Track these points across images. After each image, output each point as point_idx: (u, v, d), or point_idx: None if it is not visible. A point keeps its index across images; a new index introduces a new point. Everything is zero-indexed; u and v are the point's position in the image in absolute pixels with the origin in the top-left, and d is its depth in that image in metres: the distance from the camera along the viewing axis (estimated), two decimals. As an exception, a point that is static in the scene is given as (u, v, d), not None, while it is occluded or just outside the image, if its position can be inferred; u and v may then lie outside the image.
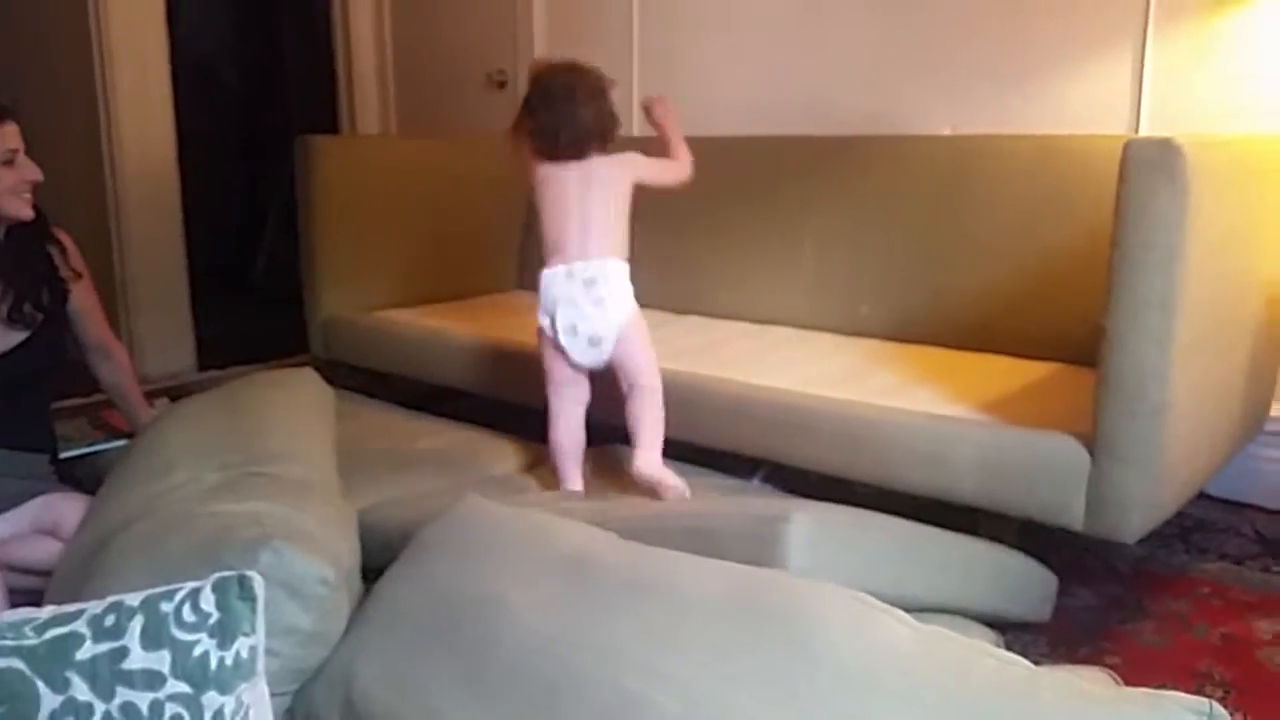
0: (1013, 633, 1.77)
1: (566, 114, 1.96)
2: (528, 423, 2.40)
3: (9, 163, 1.89)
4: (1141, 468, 1.68)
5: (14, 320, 1.94)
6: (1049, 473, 1.76)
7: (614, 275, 1.96)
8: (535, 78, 2.05)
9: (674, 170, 2.10)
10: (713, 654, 1.02)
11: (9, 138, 1.90)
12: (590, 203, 1.96)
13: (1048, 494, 1.76)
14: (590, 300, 1.93)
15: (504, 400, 2.56)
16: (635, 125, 3.38)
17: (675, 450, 2.14)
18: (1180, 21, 2.36)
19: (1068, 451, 1.74)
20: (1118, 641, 1.85)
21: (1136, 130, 2.43)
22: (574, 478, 2.03)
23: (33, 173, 1.93)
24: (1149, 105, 2.41)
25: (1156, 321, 1.63)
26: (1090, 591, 2.03)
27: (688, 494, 1.89)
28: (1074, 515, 1.74)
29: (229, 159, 5.34)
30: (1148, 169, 1.62)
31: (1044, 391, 2.08)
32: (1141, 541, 1.80)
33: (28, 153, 1.93)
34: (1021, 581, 1.72)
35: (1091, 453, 1.72)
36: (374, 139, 4.10)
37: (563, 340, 1.95)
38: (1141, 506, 1.71)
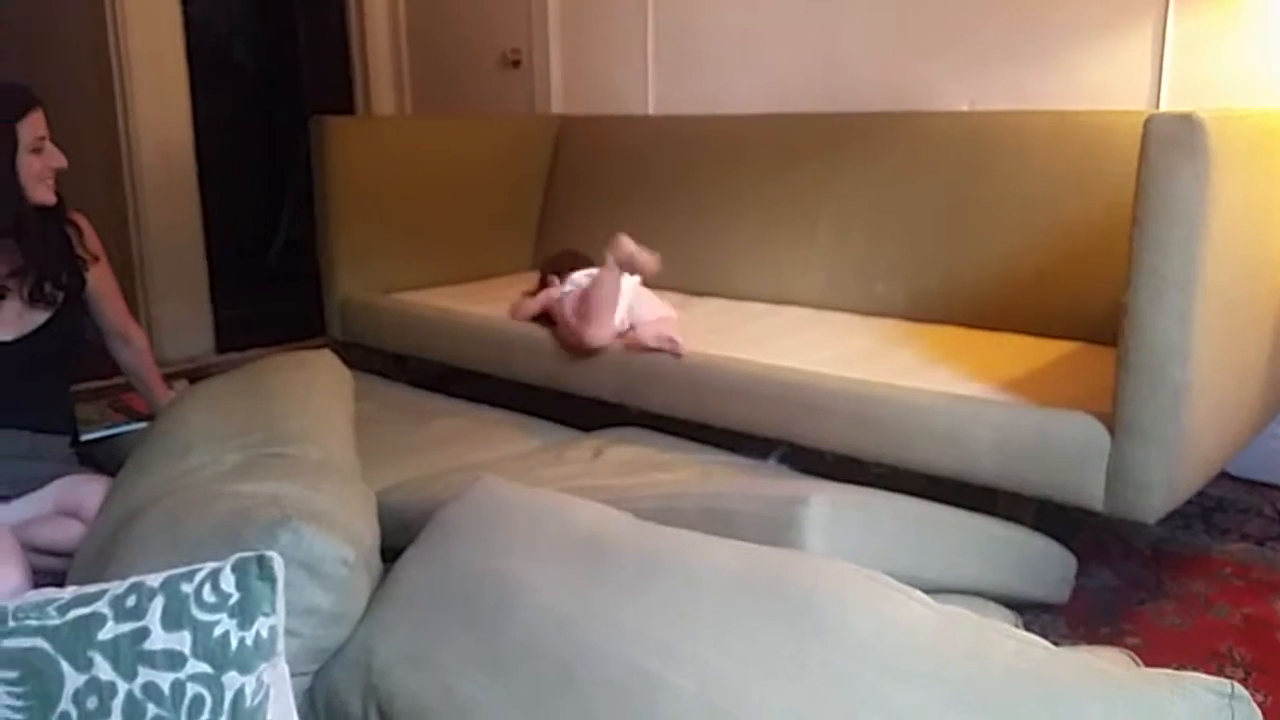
0: (1031, 613, 1.76)
1: None
2: (543, 403, 2.41)
3: (37, 150, 1.91)
4: (1162, 447, 1.67)
5: (35, 300, 1.96)
6: (1068, 452, 1.75)
7: None
8: None
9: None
10: (728, 633, 1.03)
11: (36, 125, 1.91)
12: None
13: (1067, 474, 1.75)
14: None
15: (520, 381, 2.56)
16: (651, 104, 3.39)
17: (690, 431, 2.14)
18: (1201, -5, 2.32)
19: (1087, 431, 1.73)
20: (1138, 622, 1.85)
21: (1157, 105, 2.40)
22: None
23: (58, 160, 1.95)
24: (1170, 80, 2.38)
25: (1177, 299, 1.62)
26: (1110, 572, 2.02)
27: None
28: (1094, 495, 1.73)
29: (245, 142, 5.36)
30: (1169, 144, 1.60)
31: (1063, 370, 2.06)
32: (1162, 522, 1.78)
33: (50, 139, 1.95)
34: (1040, 562, 1.72)
35: (1111, 432, 1.70)
36: (389, 120, 4.09)
37: None
38: (1162, 486, 1.69)
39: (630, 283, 2.40)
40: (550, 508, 1.34)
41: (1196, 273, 1.61)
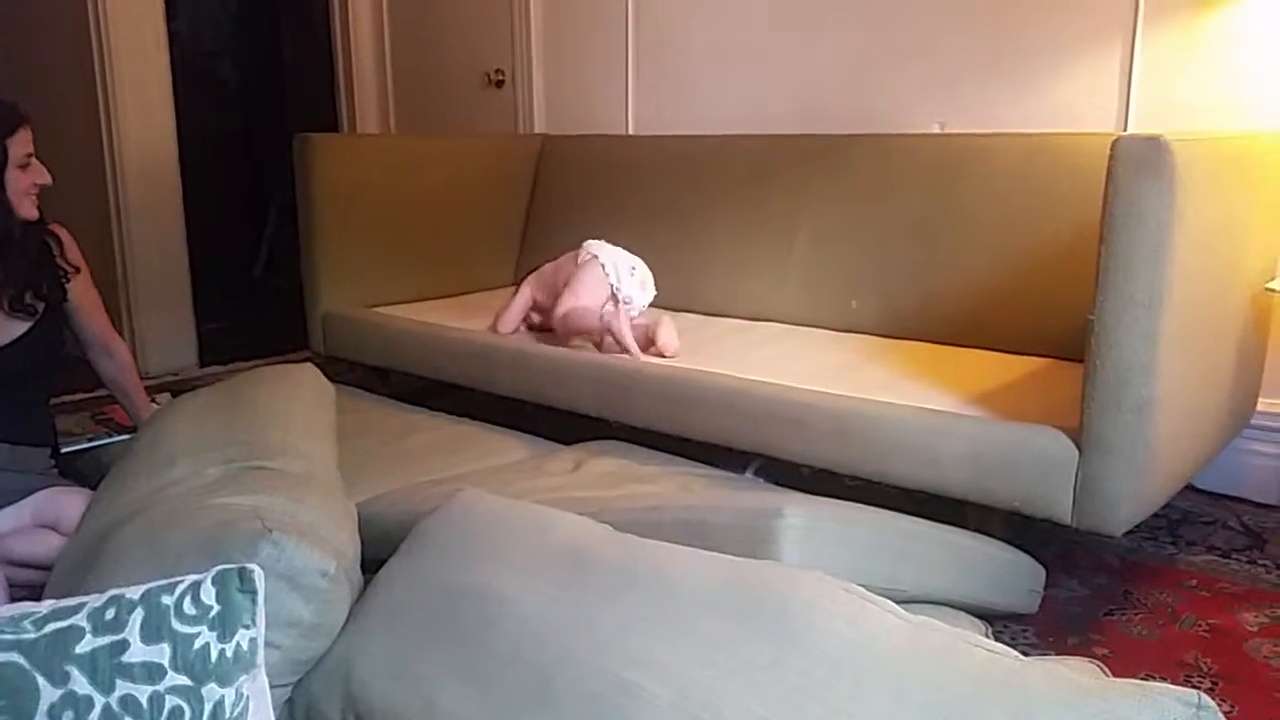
0: (1001, 624, 1.80)
1: None
2: (524, 416, 2.43)
3: (24, 166, 1.92)
4: (1128, 461, 1.70)
5: (15, 311, 1.96)
6: (1037, 466, 1.78)
7: None
8: None
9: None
10: (705, 643, 1.05)
11: (24, 143, 1.92)
12: None
13: (1036, 487, 1.78)
14: None
15: (501, 395, 2.58)
16: (631, 124, 3.42)
17: (669, 444, 2.16)
18: (1169, 18, 2.37)
19: (1055, 445, 1.76)
20: (1106, 633, 1.88)
21: (1125, 127, 2.44)
22: None
23: (44, 176, 1.97)
24: (1137, 102, 2.43)
25: (1143, 317, 1.65)
26: (1078, 583, 2.05)
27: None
28: (1062, 508, 1.76)
29: (229, 157, 5.35)
30: (1136, 166, 1.63)
31: (1032, 386, 2.10)
32: (1129, 534, 1.82)
33: (36, 155, 1.96)
34: (1010, 573, 1.75)
35: (1079, 446, 1.74)
36: (372, 137, 4.11)
37: None
38: (1129, 500, 1.73)
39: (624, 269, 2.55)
40: (530, 520, 1.36)
41: (1162, 291, 1.65)
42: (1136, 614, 1.94)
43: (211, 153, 4.61)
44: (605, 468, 2.04)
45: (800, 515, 1.41)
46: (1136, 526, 1.81)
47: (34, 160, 1.95)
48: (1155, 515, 1.98)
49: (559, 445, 2.24)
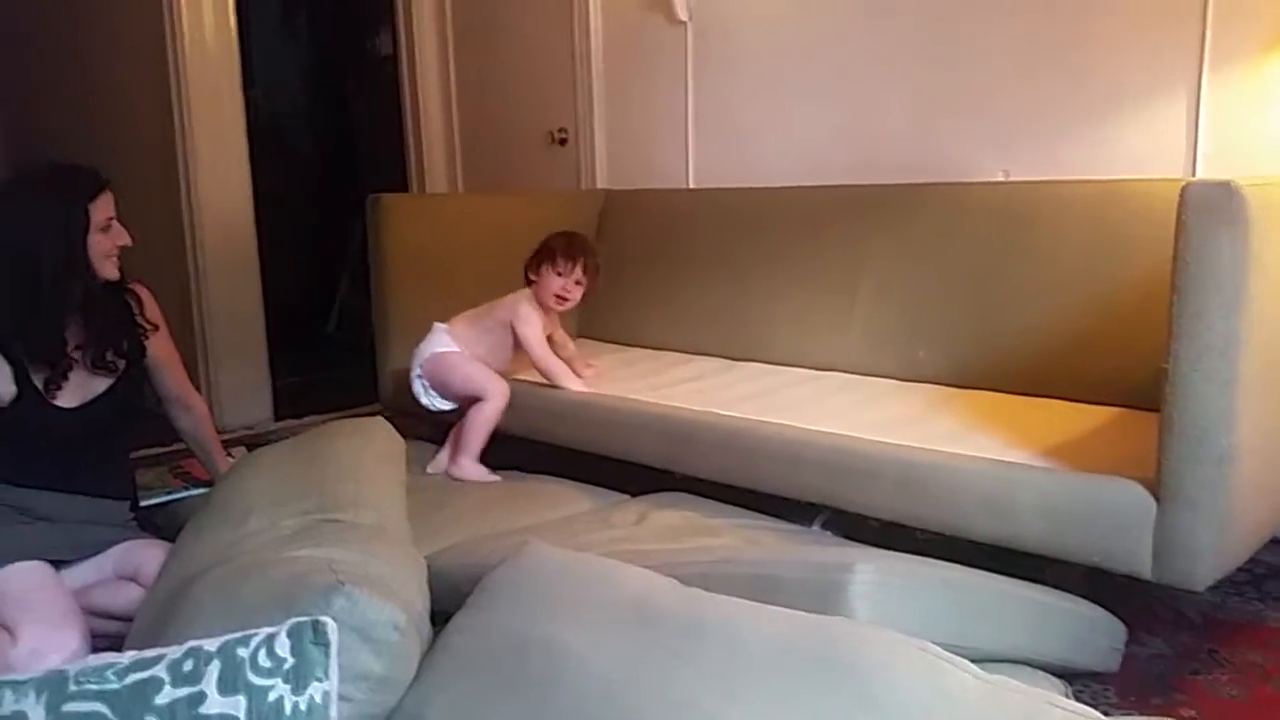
0: (1081, 683, 1.74)
1: None
2: (587, 467, 2.44)
3: (105, 229, 2.00)
4: (1209, 514, 1.65)
5: (98, 368, 2.03)
6: (1114, 519, 1.73)
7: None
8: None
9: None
10: (775, 703, 1.03)
11: (105, 207, 2.00)
12: None
13: (1113, 541, 1.74)
14: None
15: (565, 446, 2.59)
16: (691, 178, 3.45)
17: (734, 495, 2.15)
18: (1236, 63, 2.34)
19: (1133, 497, 1.72)
20: (1191, 693, 1.81)
21: (1193, 172, 2.41)
22: None
23: (124, 238, 2.05)
24: (1205, 147, 2.39)
25: (1220, 365, 1.61)
26: (1161, 640, 1.98)
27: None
28: (1141, 562, 1.71)
29: (304, 217, 5.50)
30: (1206, 212, 1.61)
31: (1106, 436, 2.05)
32: (1212, 589, 1.76)
33: (117, 218, 2.04)
34: (1089, 630, 1.70)
35: (1157, 498, 1.69)
36: (441, 197, 4.20)
37: None
38: (1210, 553, 1.67)
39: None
40: (597, 573, 1.36)
41: (1238, 338, 1.61)
42: (1224, 673, 1.87)
43: (286, 213, 4.74)
44: (671, 520, 2.03)
45: (871, 570, 1.39)
46: (1220, 581, 1.75)
47: (115, 223, 2.03)
48: (1240, 570, 1.91)
49: (623, 496, 2.25)
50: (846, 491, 2.04)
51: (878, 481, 1.99)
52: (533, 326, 2.58)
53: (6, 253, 1.92)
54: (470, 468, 2.50)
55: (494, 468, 2.52)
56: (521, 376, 2.74)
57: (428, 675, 1.26)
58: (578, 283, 2.59)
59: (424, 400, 2.63)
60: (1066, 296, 2.39)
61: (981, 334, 2.50)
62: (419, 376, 2.62)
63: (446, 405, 2.64)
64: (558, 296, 2.58)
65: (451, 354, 2.60)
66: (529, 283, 2.62)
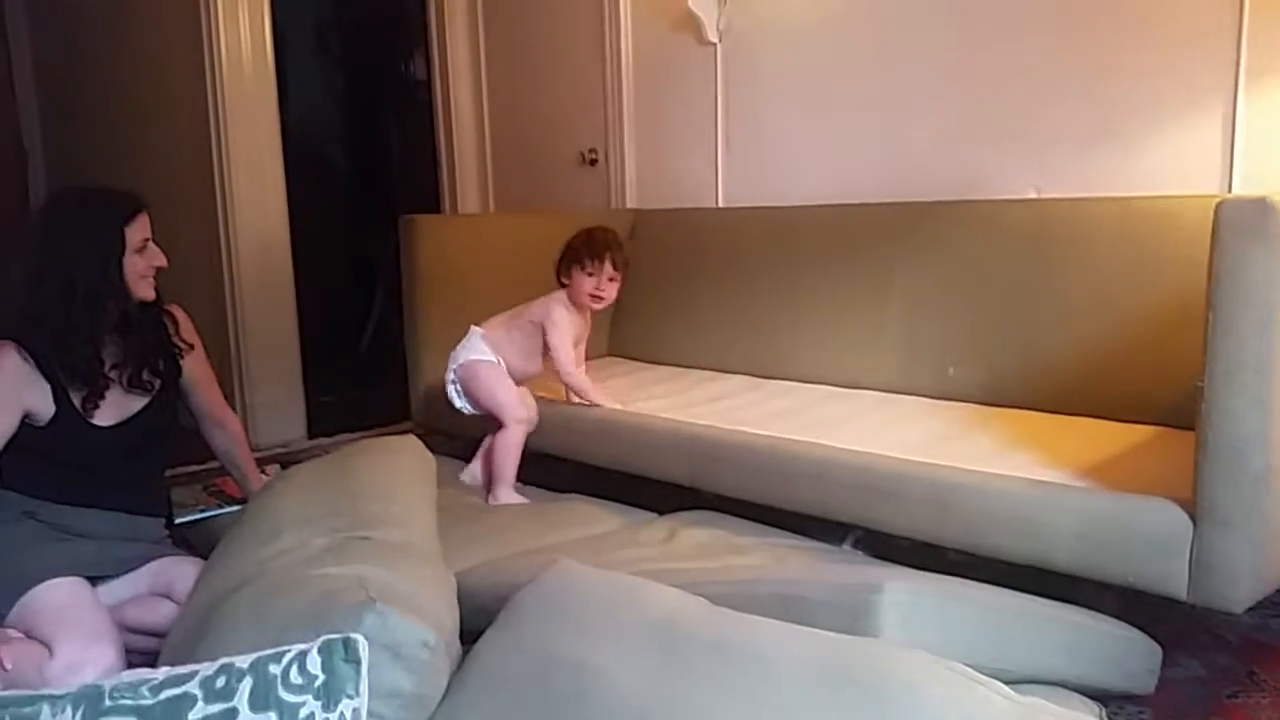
0: (1116, 704, 1.72)
1: None
2: (615, 485, 2.44)
3: (140, 250, 2.03)
4: (1246, 534, 1.63)
5: (133, 387, 2.06)
6: (1149, 539, 1.71)
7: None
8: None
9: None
10: (804, 722, 1.03)
11: (141, 228, 2.04)
12: None
13: (1149, 561, 1.71)
14: None
15: (593, 464, 2.60)
16: (721, 197, 3.45)
17: (763, 514, 2.14)
18: (1272, 79, 2.32)
19: (1168, 518, 1.69)
20: (1230, 716, 1.78)
21: (1229, 190, 2.38)
22: None
23: (160, 260, 2.08)
24: (1241, 164, 2.37)
25: (1255, 383, 1.59)
26: (1198, 662, 1.95)
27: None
28: (1177, 583, 1.69)
29: (338, 237, 5.56)
30: (1241, 229, 1.59)
31: (1141, 455, 2.03)
32: (1251, 610, 1.73)
33: (154, 238, 2.08)
34: (1125, 652, 1.67)
35: (1193, 519, 1.67)
36: (472, 217, 4.23)
37: None
38: (1248, 574, 1.65)
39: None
40: (626, 592, 1.36)
41: (1274, 357, 1.59)
42: (1264, 697, 1.84)
43: (321, 233, 4.80)
44: (699, 539, 2.03)
45: (902, 590, 1.38)
46: (1259, 603, 1.72)
47: (150, 244, 2.06)
48: (1279, 591, 1.88)
49: (652, 514, 2.25)
50: (876, 511, 2.03)
51: (907, 501, 1.97)
52: (561, 334, 2.57)
53: (45, 273, 1.96)
54: (506, 496, 2.49)
55: (523, 484, 2.53)
56: (549, 395, 2.75)
57: (457, 693, 1.27)
58: (610, 279, 2.58)
59: (456, 403, 2.64)
60: (1100, 314, 2.37)
61: (1014, 351, 2.49)
62: (452, 381, 2.63)
63: (476, 411, 2.65)
64: (592, 296, 2.57)
65: (483, 364, 2.59)
66: (562, 286, 2.62)
